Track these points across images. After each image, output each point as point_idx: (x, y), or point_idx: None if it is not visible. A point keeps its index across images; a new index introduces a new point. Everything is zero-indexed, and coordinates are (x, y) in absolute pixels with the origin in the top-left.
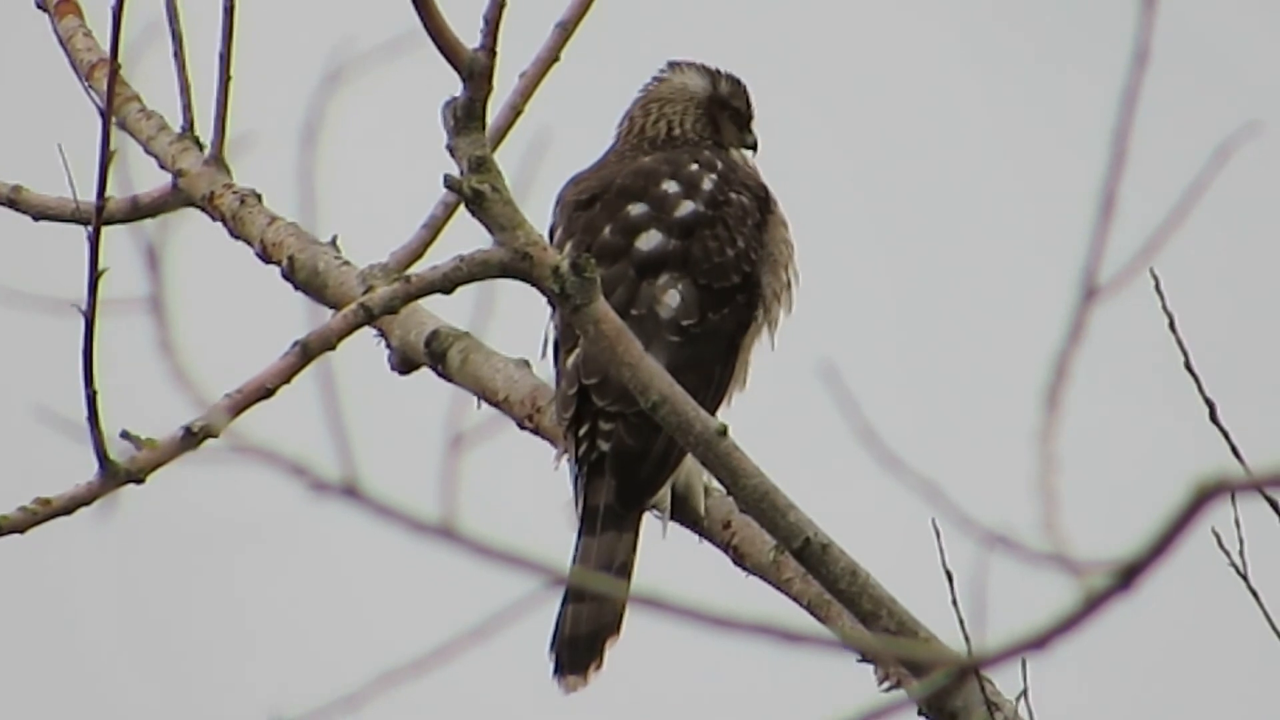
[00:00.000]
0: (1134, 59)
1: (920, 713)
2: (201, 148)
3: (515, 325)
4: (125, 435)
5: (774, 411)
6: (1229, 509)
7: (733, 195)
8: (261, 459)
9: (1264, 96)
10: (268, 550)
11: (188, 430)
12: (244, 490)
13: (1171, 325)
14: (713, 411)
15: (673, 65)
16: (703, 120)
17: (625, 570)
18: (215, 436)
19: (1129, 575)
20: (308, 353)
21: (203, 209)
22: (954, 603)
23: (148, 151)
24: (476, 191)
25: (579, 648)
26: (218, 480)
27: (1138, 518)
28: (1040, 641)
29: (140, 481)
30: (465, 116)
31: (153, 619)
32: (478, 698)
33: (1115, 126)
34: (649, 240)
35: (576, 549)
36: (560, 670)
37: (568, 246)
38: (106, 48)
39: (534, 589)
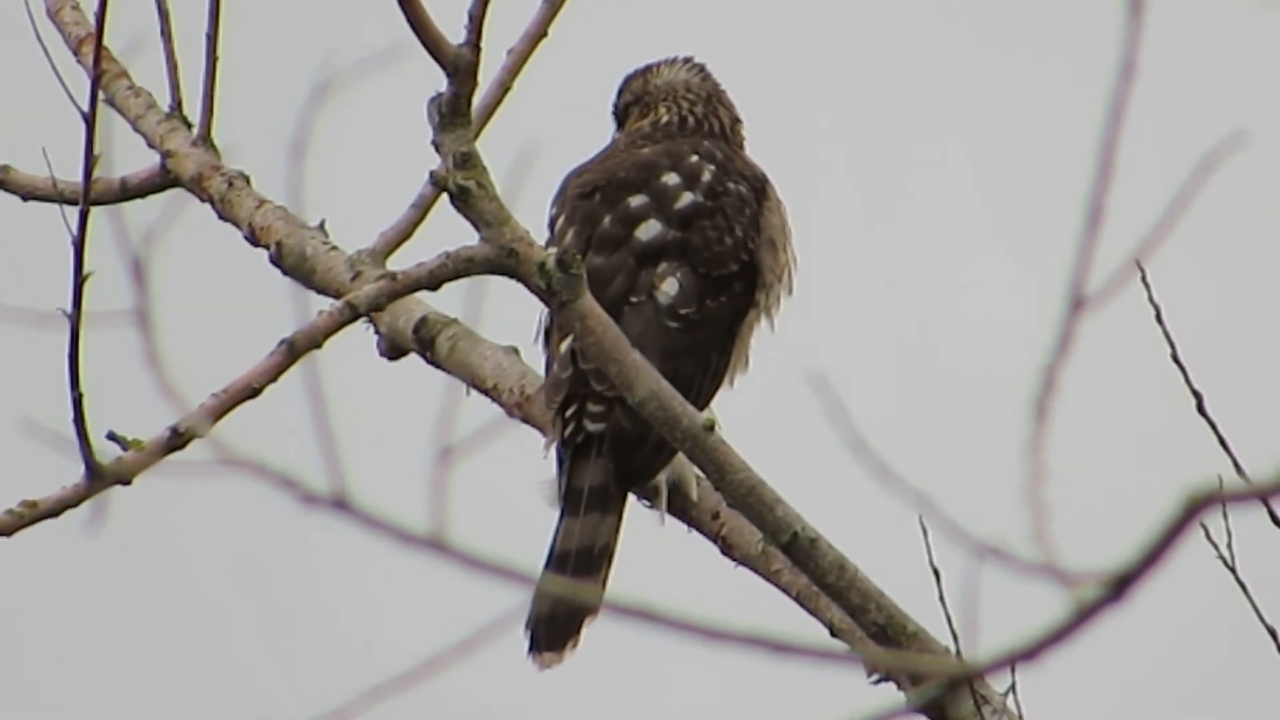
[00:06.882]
0: (1120, 70)
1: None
2: (190, 127)
3: (504, 312)
4: (111, 436)
5: (764, 414)
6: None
7: (730, 185)
8: (250, 471)
9: (1251, 106)
10: (255, 561)
11: (174, 431)
12: (231, 499)
13: (1159, 317)
14: (710, 397)
15: (685, 60)
16: (708, 111)
17: (607, 552)
18: (201, 437)
19: (1120, 586)
20: (294, 351)
21: (191, 191)
22: (940, 599)
23: (136, 130)
24: (462, 188)
25: (556, 625)
26: (205, 490)
27: (1132, 528)
28: (1031, 652)
29: (127, 483)
30: (450, 112)
31: (138, 631)
32: (467, 711)
33: (1102, 137)
34: (648, 230)
35: (558, 530)
36: (535, 647)
37: (569, 235)
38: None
39: (523, 601)
